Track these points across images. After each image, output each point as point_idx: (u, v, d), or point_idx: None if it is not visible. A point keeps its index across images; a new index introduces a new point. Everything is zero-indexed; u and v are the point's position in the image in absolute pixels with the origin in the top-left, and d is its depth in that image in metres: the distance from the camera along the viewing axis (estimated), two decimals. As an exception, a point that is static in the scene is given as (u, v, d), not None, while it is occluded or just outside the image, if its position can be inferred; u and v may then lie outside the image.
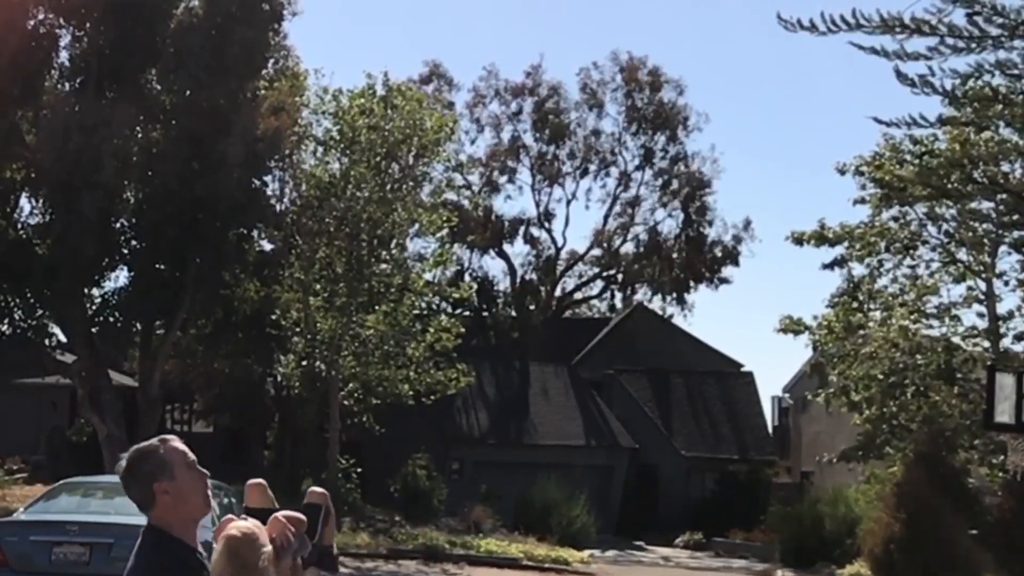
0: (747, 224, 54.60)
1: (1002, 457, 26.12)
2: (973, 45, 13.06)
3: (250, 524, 4.59)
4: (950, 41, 13.03)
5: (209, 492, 4.16)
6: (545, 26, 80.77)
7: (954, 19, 13.16)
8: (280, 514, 4.86)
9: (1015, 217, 20.71)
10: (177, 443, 4.17)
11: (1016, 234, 22.94)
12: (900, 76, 13.44)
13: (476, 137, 54.16)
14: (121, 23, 29.40)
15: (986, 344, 27.01)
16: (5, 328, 32.19)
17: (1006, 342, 27.02)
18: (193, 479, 4.10)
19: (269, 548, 4.55)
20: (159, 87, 31.33)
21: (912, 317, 27.65)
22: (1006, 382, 21.43)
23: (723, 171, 56.87)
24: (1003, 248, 26.31)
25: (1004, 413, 21.38)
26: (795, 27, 14.65)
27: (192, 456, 4.16)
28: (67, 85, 31.45)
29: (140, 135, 30.72)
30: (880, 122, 15.90)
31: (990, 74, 13.35)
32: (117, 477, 4.18)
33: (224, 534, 4.51)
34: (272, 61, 32.22)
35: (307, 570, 4.99)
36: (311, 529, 5.04)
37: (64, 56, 31.60)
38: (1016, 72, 13.40)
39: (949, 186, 18.69)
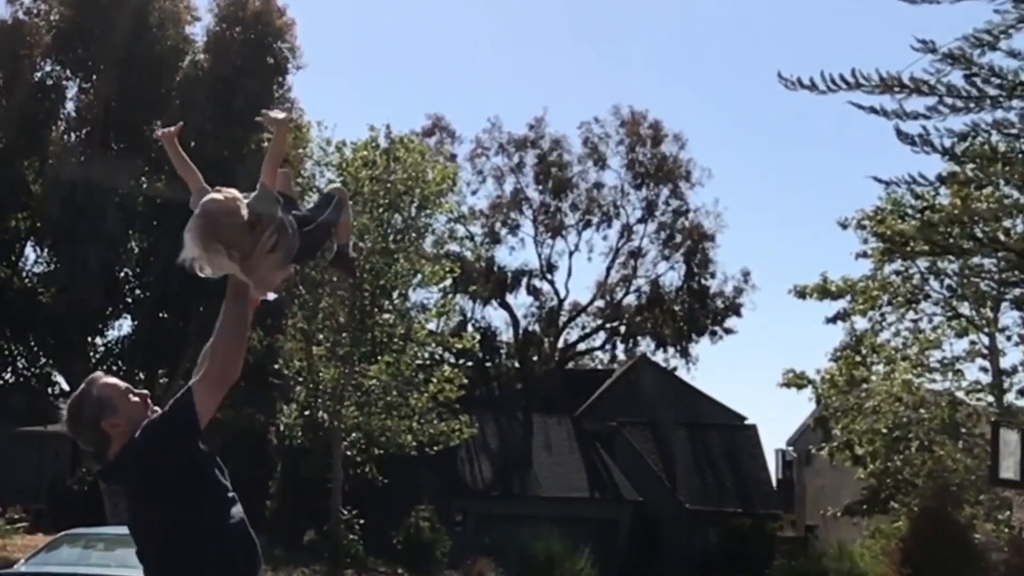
0: (746, 275, 54.68)
1: (1008, 513, 26.00)
2: (971, 105, 13.14)
3: (228, 192, 4.36)
4: (948, 101, 13.12)
5: (157, 407, 4.15)
6: (547, 80, 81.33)
7: (952, 79, 13.25)
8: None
9: (1016, 274, 20.72)
10: (106, 378, 4.21)
11: (1018, 291, 22.94)
12: (900, 135, 13.52)
13: (478, 188, 54.39)
14: (127, 75, 29.66)
15: (990, 399, 26.96)
16: (8, 376, 32.24)
17: (1010, 397, 26.98)
18: (135, 403, 4.13)
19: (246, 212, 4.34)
20: (165, 138, 31.50)
21: (915, 371, 27.63)
22: (1010, 438, 21.36)
23: (726, 226, 56.95)
24: (1005, 303, 26.32)
25: (1009, 469, 21.29)
26: (795, 85, 14.73)
27: (124, 384, 4.18)
28: (73, 136, 31.69)
29: (145, 186, 30.87)
30: (880, 181, 15.99)
31: (987, 133, 13.44)
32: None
33: (190, 236, 4.28)
34: (276, 113, 32.36)
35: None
36: (316, 218, 4.91)
37: (71, 107, 31.90)
38: (1014, 132, 13.47)
39: (951, 241, 18.69)
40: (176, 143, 4.80)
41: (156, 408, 4.16)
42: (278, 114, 4.64)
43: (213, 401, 4.06)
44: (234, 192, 4.33)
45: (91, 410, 4.09)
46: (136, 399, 4.14)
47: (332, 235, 4.98)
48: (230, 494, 4.13)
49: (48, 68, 31.13)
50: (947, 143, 13.81)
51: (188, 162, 4.75)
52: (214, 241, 4.18)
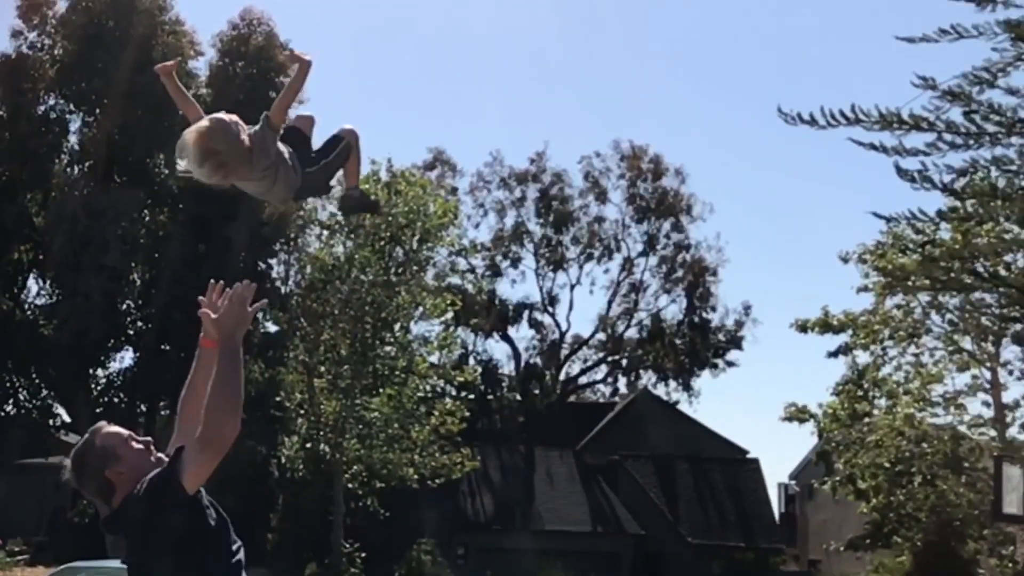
0: (747, 309, 54.68)
1: (1011, 548, 25.87)
2: (971, 142, 13.18)
3: (234, 117, 4.46)
4: (948, 137, 13.16)
5: (160, 454, 4.11)
6: (548, 114, 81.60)
7: (951, 116, 13.30)
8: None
9: (1017, 310, 20.70)
10: (108, 427, 4.19)
11: (1018, 327, 22.91)
12: (900, 172, 13.54)
13: (480, 222, 54.49)
14: (130, 109, 29.86)
15: (992, 433, 26.84)
16: (10, 408, 32.25)
17: (1012, 431, 26.86)
18: (139, 451, 4.10)
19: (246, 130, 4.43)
20: (167, 171, 31.70)
21: (917, 405, 27.54)
22: (1013, 473, 21.28)
23: (728, 260, 57.04)
24: (1006, 338, 26.26)
25: (1012, 504, 21.21)
26: (795, 120, 14.78)
27: (127, 432, 4.16)
28: (76, 169, 31.89)
29: (147, 218, 31.02)
30: (880, 217, 16.01)
31: (986, 170, 13.47)
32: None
33: (193, 130, 4.37)
34: (279, 146, 32.54)
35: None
36: (321, 156, 4.93)
37: (74, 141, 32.13)
38: (1013, 168, 13.50)
39: (952, 275, 18.69)
40: (174, 77, 4.89)
41: (160, 455, 4.14)
42: (305, 54, 4.70)
43: (206, 468, 3.90)
44: (239, 120, 4.44)
45: (95, 460, 4.08)
46: (139, 446, 4.12)
47: (343, 175, 5.13)
48: (235, 559, 4.09)
49: (52, 102, 31.38)
50: (946, 179, 13.84)
51: (187, 95, 4.88)
52: (210, 151, 4.32)
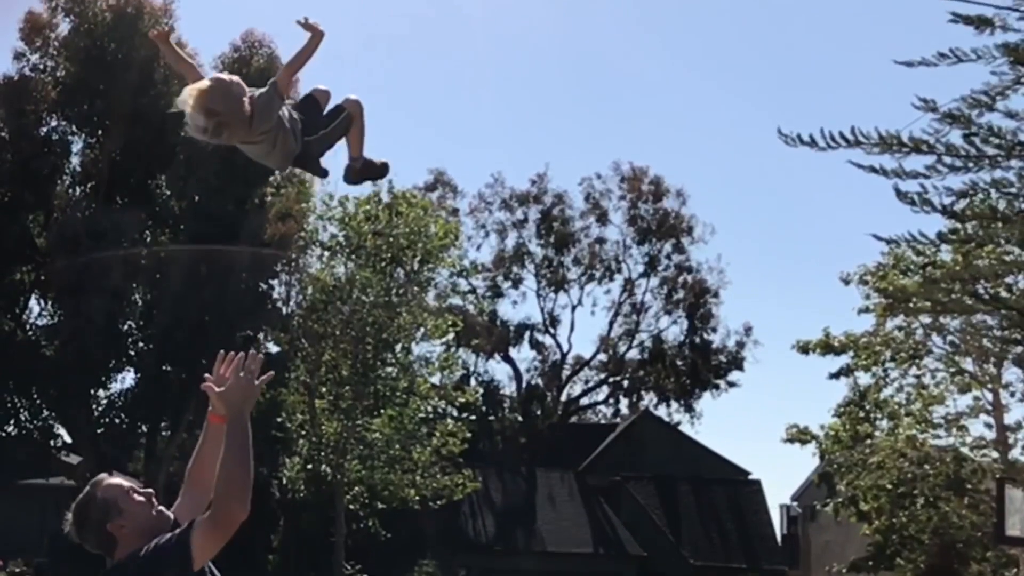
0: (748, 330, 54.66)
1: (1015, 570, 25.78)
2: (970, 164, 13.20)
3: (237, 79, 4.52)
4: (947, 160, 13.18)
5: (162, 508, 4.09)
6: (548, 135, 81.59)
7: (951, 139, 13.32)
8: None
9: (1019, 333, 20.68)
10: (110, 479, 4.15)
11: (1020, 349, 22.87)
12: (900, 195, 13.57)
13: (481, 243, 54.53)
14: (133, 131, 29.90)
15: (995, 455, 26.78)
16: (11, 428, 32.22)
17: (1015, 453, 26.81)
18: (140, 503, 4.07)
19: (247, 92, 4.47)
20: (168, 192, 31.75)
21: (919, 427, 27.49)
22: (1016, 495, 21.22)
23: (729, 282, 57.04)
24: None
25: (1015, 527, 21.15)
26: (795, 142, 14.83)
27: (128, 483, 4.12)
28: (78, 190, 31.92)
29: (149, 239, 31.04)
30: (880, 239, 16.01)
31: (986, 192, 13.48)
32: None
33: (194, 88, 4.40)
34: (280, 168, 32.62)
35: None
36: (321, 126, 4.93)
37: (76, 162, 32.15)
38: (1013, 191, 13.51)
39: (953, 297, 18.69)
40: (170, 42, 4.96)
41: (161, 508, 4.11)
42: (319, 24, 4.75)
43: (215, 546, 3.92)
44: (241, 82, 4.52)
45: (97, 513, 4.04)
46: (141, 499, 4.08)
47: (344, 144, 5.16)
48: None
49: (54, 123, 31.43)
50: (946, 201, 13.86)
51: (183, 56, 4.94)
52: (209, 112, 4.40)
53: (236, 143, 4.70)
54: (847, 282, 27.13)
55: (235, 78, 4.53)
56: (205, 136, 4.48)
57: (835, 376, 29.00)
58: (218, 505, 3.85)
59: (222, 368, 4.22)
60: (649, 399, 56.30)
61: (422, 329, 34.16)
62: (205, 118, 4.39)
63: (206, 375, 4.19)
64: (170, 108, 30.41)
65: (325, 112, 5.03)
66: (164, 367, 31.80)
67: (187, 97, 4.39)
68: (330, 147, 5.05)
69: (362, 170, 5.31)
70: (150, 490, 4.15)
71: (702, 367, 54.11)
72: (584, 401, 59.22)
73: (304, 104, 4.96)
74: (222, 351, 4.27)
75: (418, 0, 78.17)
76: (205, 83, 4.44)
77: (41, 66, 31.42)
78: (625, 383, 57.16)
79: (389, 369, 34.05)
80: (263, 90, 4.60)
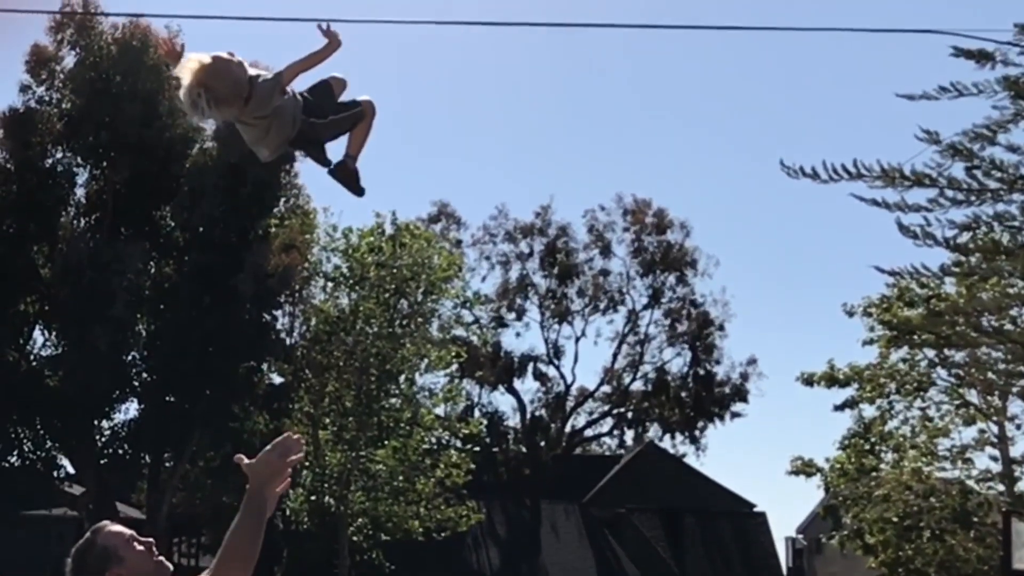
0: (753, 362, 54.54)
1: (1021, 604, 25.56)
2: (972, 198, 13.18)
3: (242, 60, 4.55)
4: (950, 193, 13.17)
5: (161, 558, 4.05)
6: (552, 168, 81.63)
7: (953, 172, 13.31)
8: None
9: (1022, 367, 20.62)
10: (110, 527, 4.09)
11: (1023, 383, 22.80)
12: (902, 228, 13.54)
13: (487, 275, 54.47)
14: (137, 163, 30.03)
15: (1001, 488, 26.64)
16: (14, 459, 32.19)
17: (1021, 486, 26.67)
18: (140, 552, 4.00)
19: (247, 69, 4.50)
20: (173, 224, 31.82)
21: (925, 459, 27.37)
22: (1022, 529, 21.08)
23: (734, 315, 56.88)
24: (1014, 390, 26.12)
25: (1021, 560, 21.00)
26: (797, 174, 14.83)
27: (129, 532, 4.07)
28: (83, 221, 32.02)
29: (153, 270, 31.11)
30: (883, 271, 15.98)
31: (989, 226, 13.46)
32: None
33: (195, 60, 4.43)
34: (283, 199, 32.80)
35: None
36: (328, 115, 4.92)
37: (80, 193, 32.27)
38: (1016, 224, 13.49)
39: (957, 330, 18.65)
40: (180, 59, 4.97)
41: (161, 558, 4.08)
42: (338, 34, 4.85)
43: None
44: (245, 64, 4.55)
45: (95, 561, 3.98)
46: (141, 548, 4.06)
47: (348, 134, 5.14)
48: None
49: (59, 155, 31.57)
50: (949, 234, 13.84)
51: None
52: (205, 86, 4.46)
53: (230, 120, 4.76)
54: (851, 314, 27.08)
55: (238, 58, 4.60)
56: (197, 112, 4.53)
57: (840, 408, 28.92)
58: (219, 567, 3.86)
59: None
60: (654, 431, 56.17)
61: (426, 360, 34.16)
62: (200, 91, 4.43)
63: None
64: (173, 144, 30.60)
65: (342, 102, 5.07)
66: (168, 397, 31.80)
67: (186, 70, 4.44)
68: (336, 136, 5.07)
69: (351, 173, 5.27)
70: (151, 540, 4.12)
71: (706, 399, 53.96)
72: (588, 433, 59.04)
73: (318, 88, 5.02)
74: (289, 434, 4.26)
75: (420, 31, 78.55)
76: (207, 58, 4.52)
77: (47, 98, 31.59)
78: (629, 415, 57.01)
79: (393, 400, 34.02)
80: (267, 77, 4.67)
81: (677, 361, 55.27)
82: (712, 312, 54.35)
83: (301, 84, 4.97)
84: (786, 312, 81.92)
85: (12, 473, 32.21)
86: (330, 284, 33.97)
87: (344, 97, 5.15)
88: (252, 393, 32.38)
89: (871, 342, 27.00)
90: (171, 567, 4.08)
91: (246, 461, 4.09)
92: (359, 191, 5.31)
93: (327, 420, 33.91)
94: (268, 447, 4.10)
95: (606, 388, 56.09)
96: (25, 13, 27.91)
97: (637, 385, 55.40)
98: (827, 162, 14.29)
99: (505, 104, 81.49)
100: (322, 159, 5.19)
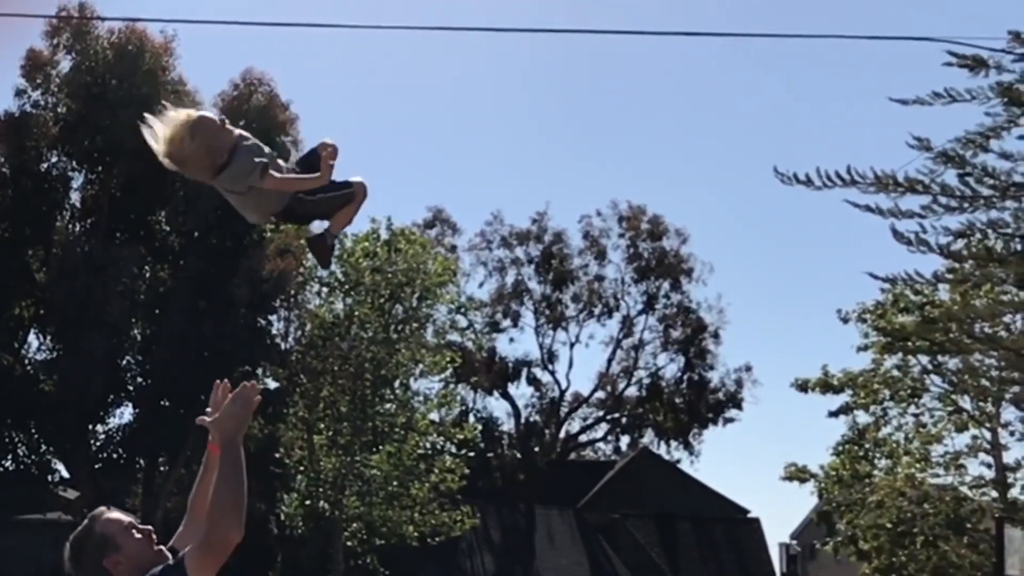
0: (747, 368, 54.60)
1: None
2: (966, 205, 13.23)
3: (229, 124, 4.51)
4: (943, 200, 13.22)
5: (162, 546, 4.06)
6: (547, 174, 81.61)
7: (946, 179, 13.36)
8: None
9: (1016, 373, 20.67)
10: (108, 514, 4.12)
11: (1017, 389, 22.85)
12: (896, 235, 13.59)
13: (484, 281, 54.51)
14: (133, 167, 29.99)
15: (994, 494, 26.71)
16: (8, 463, 32.17)
17: (1014, 492, 26.74)
18: (139, 540, 4.03)
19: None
20: (168, 228, 31.82)
21: (918, 466, 27.45)
22: (1015, 535, 21.17)
23: (729, 322, 56.92)
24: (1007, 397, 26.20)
25: (1014, 567, 21.08)
26: (791, 181, 14.89)
27: (128, 518, 4.09)
28: (78, 226, 32.02)
29: (148, 275, 31.10)
30: (876, 277, 16.04)
31: (982, 233, 13.51)
32: None
33: (183, 114, 4.41)
34: (279, 204, 32.73)
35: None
36: (324, 190, 4.79)
37: (75, 198, 32.26)
38: (1008, 232, 13.54)
39: (951, 336, 18.70)
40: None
41: (160, 547, 4.08)
42: (332, 167, 4.69)
43: (211, 570, 3.86)
44: (235, 130, 4.50)
45: (93, 548, 4.01)
46: (139, 536, 4.06)
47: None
48: None
49: (54, 159, 31.56)
50: (943, 241, 13.89)
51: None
52: (178, 141, 4.37)
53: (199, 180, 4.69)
54: (846, 320, 27.19)
55: (231, 128, 4.49)
56: (165, 159, 4.46)
57: (834, 414, 29.02)
58: (212, 528, 3.83)
59: (219, 395, 4.22)
60: (648, 437, 56.18)
61: (420, 365, 34.17)
62: (166, 146, 4.37)
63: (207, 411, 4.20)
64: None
65: (335, 181, 4.86)
66: (162, 402, 31.79)
67: (162, 120, 4.39)
68: (322, 216, 4.91)
69: (327, 250, 5.12)
70: (149, 527, 4.13)
71: (700, 405, 54.00)
72: (583, 438, 59.05)
73: (308, 160, 4.87)
74: (218, 380, 4.28)
75: (417, 37, 78.59)
76: (193, 115, 4.45)
77: (42, 103, 31.58)
78: (624, 420, 57.03)
79: (387, 405, 34.03)
80: (249, 159, 4.50)
81: (671, 367, 55.35)
82: (707, 318, 54.42)
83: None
84: (780, 318, 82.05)
85: (6, 477, 32.18)
86: (325, 289, 33.99)
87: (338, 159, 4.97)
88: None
89: (865, 348, 27.11)
90: (170, 556, 4.08)
91: (208, 419, 4.09)
92: (327, 264, 5.30)
93: (322, 425, 33.91)
94: (228, 400, 4.09)
95: (600, 394, 56.12)
96: (21, 17, 27.95)
97: (631, 391, 55.45)
98: (821, 169, 14.36)
99: (501, 110, 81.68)
100: (312, 240, 5.12)
